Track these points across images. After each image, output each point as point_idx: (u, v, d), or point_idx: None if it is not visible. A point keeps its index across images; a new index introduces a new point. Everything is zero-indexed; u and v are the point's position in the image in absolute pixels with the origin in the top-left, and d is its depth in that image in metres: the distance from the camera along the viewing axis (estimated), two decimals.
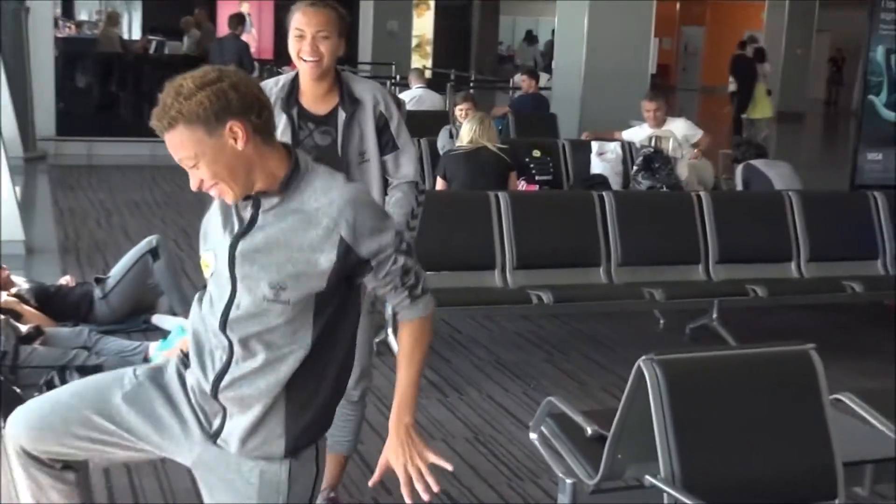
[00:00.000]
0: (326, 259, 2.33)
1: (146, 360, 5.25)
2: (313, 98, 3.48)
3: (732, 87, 17.18)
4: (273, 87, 3.48)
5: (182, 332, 5.35)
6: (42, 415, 2.57)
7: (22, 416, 2.56)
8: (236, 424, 2.43)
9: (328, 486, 3.74)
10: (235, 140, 2.27)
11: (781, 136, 18.40)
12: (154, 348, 5.31)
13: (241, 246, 2.38)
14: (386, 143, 3.51)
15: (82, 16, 23.61)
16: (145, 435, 2.52)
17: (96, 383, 2.65)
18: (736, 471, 3.05)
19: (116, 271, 6.01)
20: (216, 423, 2.47)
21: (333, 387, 2.52)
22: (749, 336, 5.97)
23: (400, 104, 9.76)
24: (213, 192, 2.36)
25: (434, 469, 2.49)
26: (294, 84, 3.47)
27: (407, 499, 2.43)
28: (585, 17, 11.38)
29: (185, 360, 2.57)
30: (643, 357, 3.05)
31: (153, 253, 6.05)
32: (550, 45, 31.49)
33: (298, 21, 3.39)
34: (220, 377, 2.41)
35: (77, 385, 2.76)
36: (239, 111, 2.25)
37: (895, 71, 8.76)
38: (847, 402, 3.73)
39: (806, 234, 6.49)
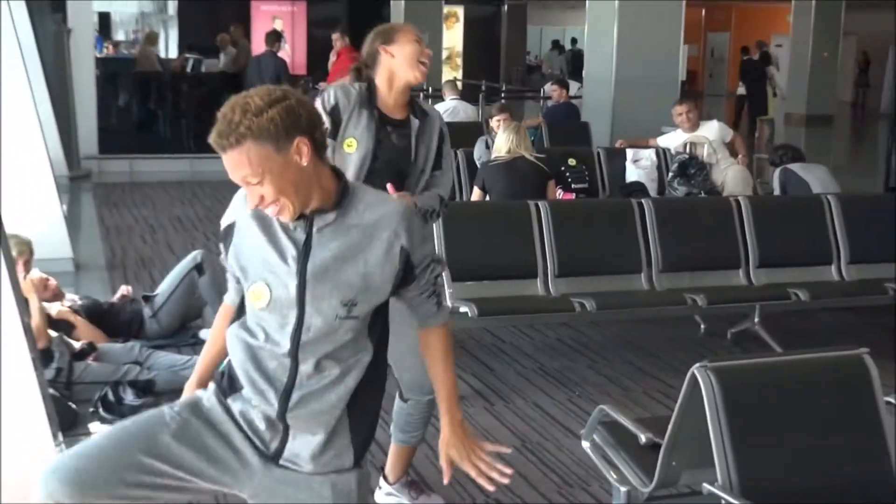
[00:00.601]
0: (391, 268, 2.40)
1: None
2: (389, 105, 3.66)
3: (741, 90, 17.68)
4: (352, 89, 3.66)
5: None
6: (85, 467, 2.38)
7: (60, 473, 2.37)
8: (303, 443, 2.41)
9: (403, 474, 4.02)
10: (300, 156, 2.27)
11: (811, 139, 18.23)
12: None
13: (309, 268, 2.35)
14: (437, 160, 3.72)
15: (119, 36, 23.81)
16: (200, 471, 2.44)
17: (138, 427, 2.49)
18: (792, 478, 3.01)
19: (164, 288, 6.03)
20: (274, 444, 2.44)
21: (383, 389, 2.59)
22: (791, 340, 5.93)
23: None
24: (270, 210, 2.33)
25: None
26: (371, 90, 3.65)
27: (487, 486, 2.53)
28: (615, 24, 11.36)
29: (223, 388, 2.53)
30: (697, 365, 3.02)
31: (198, 268, 6.07)
32: (576, 53, 31.61)
33: (412, 35, 3.67)
34: (286, 398, 2.39)
35: (116, 431, 2.53)
36: (306, 128, 2.28)
37: None
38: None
39: (845, 236, 6.41)
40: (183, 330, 6.09)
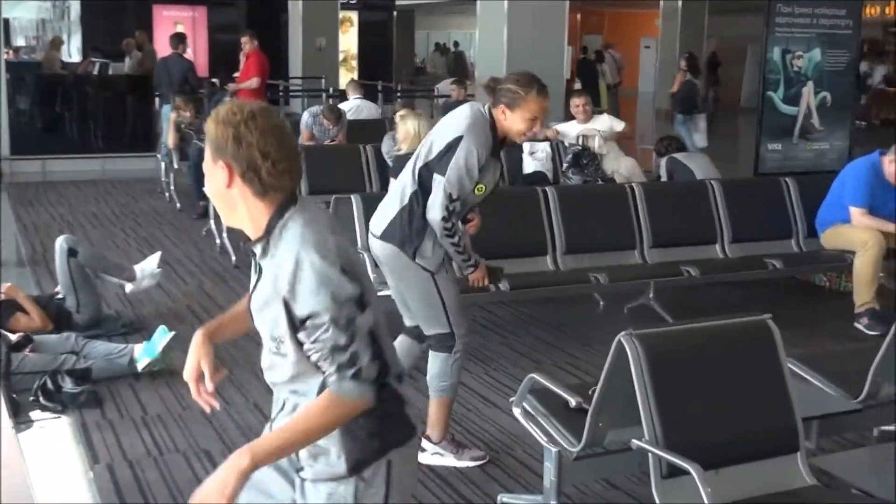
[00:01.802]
0: (280, 314, 2.19)
1: (132, 361, 5.20)
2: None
3: (578, 85, 18.61)
4: (488, 139, 3.92)
5: (165, 332, 5.29)
6: None
7: None
8: (301, 455, 2.30)
9: (445, 432, 4.24)
10: (222, 178, 2.22)
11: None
12: (139, 350, 5.25)
13: (254, 297, 2.31)
14: None
15: (20, 41, 23.05)
16: None
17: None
18: (710, 431, 3.14)
19: (62, 286, 5.91)
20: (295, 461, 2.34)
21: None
22: (683, 313, 6.07)
23: (341, 115, 9.82)
24: None
25: None
26: (496, 137, 3.95)
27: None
28: (505, 27, 11.49)
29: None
30: (622, 333, 3.11)
31: (72, 253, 5.91)
32: (458, 55, 31.91)
33: (536, 108, 3.88)
34: (273, 423, 2.39)
35: None
36: (231, 157, 2.19)
37: (790, 69, 9.00)
38: (791, 366, 3.85)
39: (728, 217, 6.66)
40: (112, 320, 6.00)
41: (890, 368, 3.83)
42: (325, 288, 2.12)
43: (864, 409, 3.87)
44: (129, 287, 6.14)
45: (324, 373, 2.18)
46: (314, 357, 2.18)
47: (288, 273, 2.14)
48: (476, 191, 3.94)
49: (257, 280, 2.29)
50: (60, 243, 5.94)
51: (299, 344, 2.18)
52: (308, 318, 2.14)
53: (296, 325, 2.16)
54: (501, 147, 4.00)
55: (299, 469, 2.30)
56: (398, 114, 8.54)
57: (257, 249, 2.26)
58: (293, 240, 2.18)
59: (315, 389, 2.21)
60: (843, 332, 6.17)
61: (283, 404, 2.35)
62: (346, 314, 2.12)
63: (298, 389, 2.26)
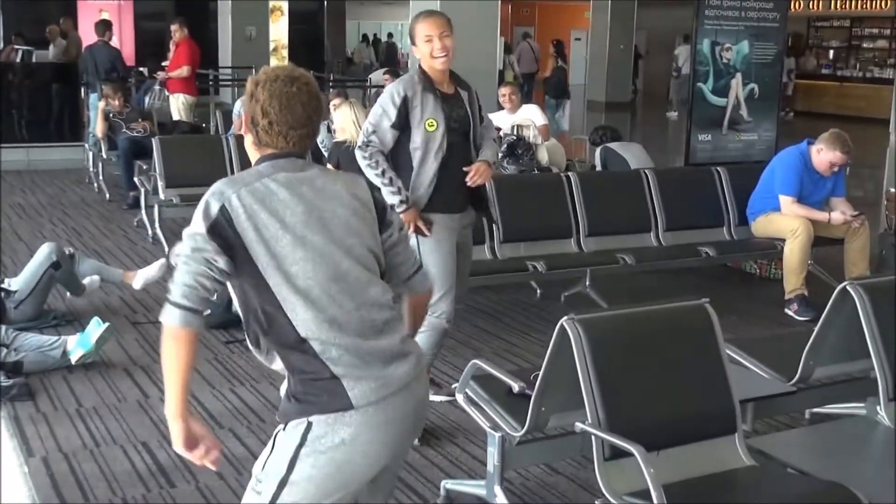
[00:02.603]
0: None
1: (65, 353, 5.11)
2: (441, 84, 4.25)
3: None
4: (414, 81, 4.20)
5: (99, 323, 5.21)
6: None
7: None
8: None
9: None
10: (242, 123, 2.57)
11: (610, 122, 18.92)
12: (73, 342, 5.16)
13: None
14: (481, 117, 4.43)
15: None
16: None
17: None
18: (651, 413, 3.20)
19: (23, 285, 5.76)
20: None
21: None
22: (618, 300, 6.17)
23: None
24: None
25: None
26: (425, 75, 4.20)
27: None
28: None
29: None
30: (565, 318, 3.15)
31: (54, 265, 5.85)
32: (390, 45, 31.89)
33: (425, 28, 4.17)
34: None
35: None
36: (246, 107, 2.52)
37: (720, 60, 9.16)
38: (727, 351, 3.94)
39: (661, 206, 6.76)
40: (44, 313, 5.89)
41: (821, 352, 3.95)
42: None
43: (797, 392, 3.99)
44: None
45: None
46: None
47: None
48: (427, 127, 4.16)
49: None
50: (49, 253, 5.88)
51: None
52: None
53: None
54: (433, 83, 4.19)
55: None
56: (332, 103, 8.51)
57: None
58: None
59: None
60: (774, 317, 6.30)
61: None
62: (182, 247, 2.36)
63: None
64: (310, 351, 2.35)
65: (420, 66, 4.26)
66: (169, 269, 6.40)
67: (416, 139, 4.20)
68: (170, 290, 2.34)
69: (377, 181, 4.15)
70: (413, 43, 4.26)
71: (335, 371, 2.35)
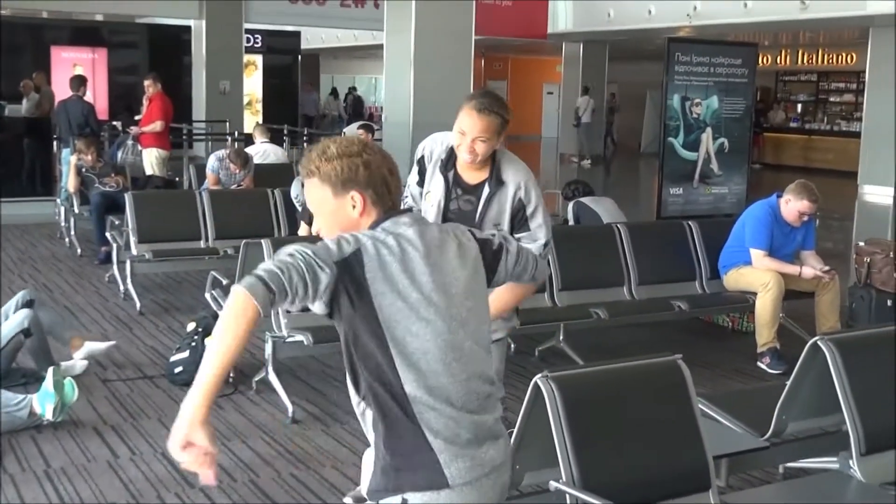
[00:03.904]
0: None
1: (32, 412, 5.05)
2: (467, 169, 3.67)
3: None
4: (435, 146, 3.75)
5: (56, 371, 5.16)
6: None
7: None
8: None
9: None
10: (353, 207, 2.37)
11: (582, 176, 19.10)
12: (38, 399, 5.09)
13: None
14: (520, 225, 3.67)
15: None
16: None
17: None
18: (625, 471, 3.19)
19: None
20: None
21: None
22: (592, 354, 6.20)
23: (248, 159, 9.81)
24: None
25: None
26: (453, 152, 3.65)
27: None
28: (411, 72, 11.59)
29: None
30: (539, 375, 3.14)
31: (25, 332, 5.79)
32: (356, 98, 32.21)
33: (463, 122, 3.54)
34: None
35: None
36: (364, 184, 2.36)
37: (690, 115, 9.30)
38: (700, 406, 3.95)
39: (634, 260, 6.80)
40: (13, 371, 5.80)
41: (794, 407, 3.97)
42: None
43: (771, 447, 4.00)
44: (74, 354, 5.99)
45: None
46: None
47: None
48: (425, 198, 3.77)
49: None
50: (22, 319, 5.78)
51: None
52: None
53: None
54: (451, 165, 3.70)
55: None
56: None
57: None
58: None
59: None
60: (747, 371, 6.33)
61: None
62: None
63: None
64: (410, 413, 2.26)
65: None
66: (117, 349, 6.40)
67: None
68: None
69: None
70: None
71: (433, 444, 2.26)
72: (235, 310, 2.15)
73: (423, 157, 3.77)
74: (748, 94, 9.65)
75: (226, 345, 2.16)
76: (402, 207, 3.77)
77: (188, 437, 2.14)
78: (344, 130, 16.79)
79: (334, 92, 32.66)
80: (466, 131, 3.51)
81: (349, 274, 2.23)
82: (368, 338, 2.26)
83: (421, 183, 3.78)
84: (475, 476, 2.30)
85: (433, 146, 3.77)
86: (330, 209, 2.37)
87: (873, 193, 17.53)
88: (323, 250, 2.23)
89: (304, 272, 2.18)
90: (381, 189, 2.37)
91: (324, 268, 2.20)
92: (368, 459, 2.33)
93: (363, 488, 2.30)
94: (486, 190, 3.65)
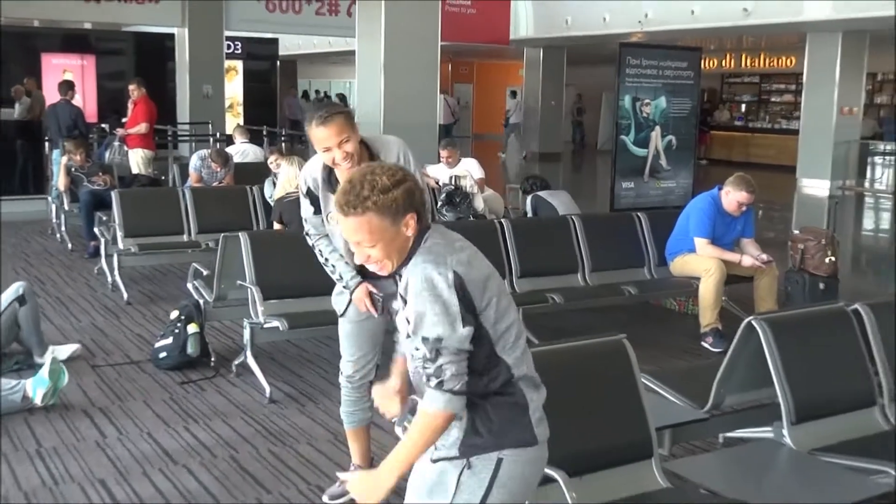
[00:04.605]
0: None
1: (25, 396, 5.03)
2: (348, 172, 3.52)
3: None
4: (314, 173, 3.61)
5: (55, 361, 5.15)
6: None
7: None
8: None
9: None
10: (408, 228, 2.32)
11: (544, 172, 19.16)
12: (31, 384, 5.07)
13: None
14: None
15: None
16: None
17: None
18: (574, 441, 3.21)
19: None
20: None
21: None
22: (549, 335, 6.22)
23: (228, 159, 9.74)
24: (373, 267, 2.39)
25: None
26: (331, 169, 3.55)
27: None
28: (381, 76, 11.57)
29: None
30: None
31: (20, 300, 5.81)
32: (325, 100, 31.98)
33: (319, 139, 3.42)
34: None
35: None
36: (417, 205, 2.34)
37: (640, 114, 9.36)
38: (645, 381, 4.00)
39: (588, 249, 6.85)
40: (5, 357, 5.78)
41: (731, 381, 4.03)
42: (426, 310, 2.27)
43: (710, 418, 4.06)
44: (37, 359, 5.84)
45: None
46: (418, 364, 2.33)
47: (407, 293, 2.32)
48: (329, 220, 3.67)
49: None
50: (17, 287, 5.83)
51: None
52: (412, 326, 2.30)
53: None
54: (334, 179, 3.58)
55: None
56: (269, 159, 8.58)
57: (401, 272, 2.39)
58: (416, 263, 2.33)
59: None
60: (691, 350, 6.40)
61: None
62: (437, 338, 2.27)
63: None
64: (517, 389, 2.40)
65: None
66: (105, 337, 6.37)
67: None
68: (441, 376, 2.27)
69: (325, 268, 3.84)
70: (312, 142, 3.51)
71: (529, 409, 2.41)
72: (437, 428, 2.33)
73: (308, 188, 3.67)
74: (694, 95, 9.72)
75: (420, 450, 2.36)
76: (308, 239, 3.80)
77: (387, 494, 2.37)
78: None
79: (305, 95, 32.55)
80: (328, 144, 3.42)
81: (463, 299, 2.28)
82: (477, 342, 2.32)
83: (317, 212, 3.69)
84: (548, 436, 2.49)
85: (311, 174, 3.66)
86: (389, 237, 2.32)
87: (810, 186, 17.74)
88: (456, 340, 2.27)
89: (466, 355, 2.29)
90: (422, 207, 2.37)
91: (466, 341, 2.28)
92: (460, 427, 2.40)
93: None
94: None
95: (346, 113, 3.47)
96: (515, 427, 2.40)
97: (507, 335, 2.38)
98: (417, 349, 2.30)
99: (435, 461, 2.42)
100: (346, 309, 3.89)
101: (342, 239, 3.62)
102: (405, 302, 2.33)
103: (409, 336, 2.32)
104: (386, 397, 2.69)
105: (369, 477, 2.43)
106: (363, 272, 3.70)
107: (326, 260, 3.80)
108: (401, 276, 2.37)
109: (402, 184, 2.32)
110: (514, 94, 25.60)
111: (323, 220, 3.71)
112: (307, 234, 3.80)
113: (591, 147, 27.78)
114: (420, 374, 2.35)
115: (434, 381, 2.28)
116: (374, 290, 3.78)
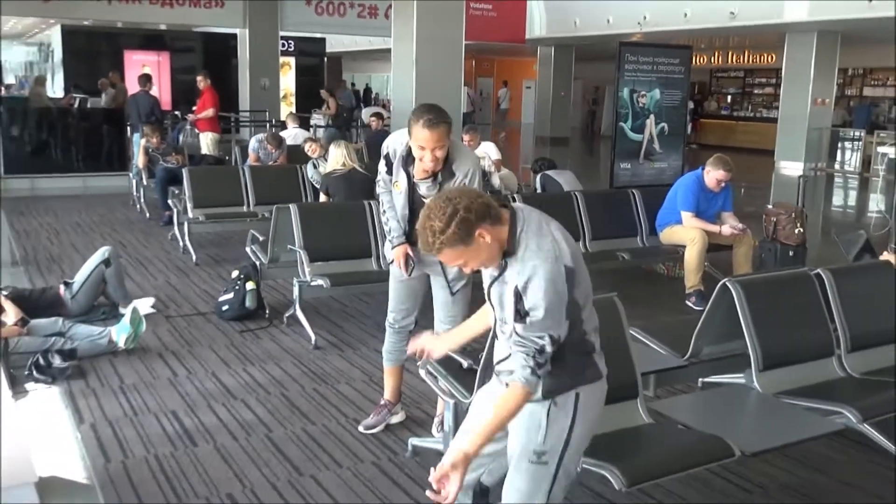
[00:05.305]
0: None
1: (111, 341, 5.13)
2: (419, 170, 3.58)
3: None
4: (397, 146, 3.64)
5: (135, 311, 5.23)
6: None
7: None
8: None
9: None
10: (484, 239, 2.29)
11: (554, 154, 19.05)
12: (115, 331, 5.18)
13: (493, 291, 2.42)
14: None
15: (10, 79, 22.32)
16: None
17: None
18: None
19: (80, 276, 5.81)
20: None
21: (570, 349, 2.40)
22: None
23: (282, 142, 9.71)
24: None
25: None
26: (410, 151, 3.54)
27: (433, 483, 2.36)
28: (413, 71, 11.54)
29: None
30: None
31: (105, 262, 5.89)
32: (366, 90, 31.90)
33: (420, 138, 3.38)
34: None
35: None
36: (479, 220, 2.28)
37: (637, 104, 9.28)
38: (634, 333, 4.02)
39: (588, 220, 6.83)
40: (94, 308, 5.89)
41: (708, 334, 4.03)
42: (542, 297, 2.26)
43: (689, 366, 4.07)
44: (121, 310, 5.87)
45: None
46: (516, 341, 2.32)
47: (525, 275, 2.28)
48: (395, 186, 3.72)
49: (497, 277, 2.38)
50: (104, 251, 5.92)
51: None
52: (528, 311, 2.28)
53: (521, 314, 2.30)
54: (410, 160, 3.60)
55: None
56: (306, 146, 8.59)
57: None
58: (535, 253, 2.30)
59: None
60: (677, 308, 6.39)
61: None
62: (545, 319, 2.27)
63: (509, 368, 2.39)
64: (589, 341, 2.46)
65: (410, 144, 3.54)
66: (177, 292, 6.45)
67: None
68: (541, 363, 2.30)
69: (384, 225, 3.86)
70: (409, 133, 3.46)
71: (595, 351, 2.49)
72: (517, 405, 2.34)
73: (388, 154, 3.70)
74: (684, 88, 9.62)
75: (498, 426, 2.37)
76: (377, 187, 3.80)
77: (452, 467, 2.31)
78: (360, 117, 16.75)
79: (342, 84, 32.40)
80: (425, 146, 3.38)
81: (572, 299, 2.30)
82: (572, 311, 2.34)
83: (389, 172, 3.72)
84: (606, 370, 2.55)
85: (395, 146, 3.67)
86: (472, 255, 2.31)
87: (787, 167, 17.52)
88: (563, 332, 2.30)
89: (559, 343, 2.31)
90: (486, 211, 2.29)
91: (564, 333, 2.32)
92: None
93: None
94: (440, 177, 3.54)
95: (449, 123, 3.42)
96: (586, 367, 2.47)
97: (588, 302, 2.42)
98: (521, 335, 2.29)
99: None
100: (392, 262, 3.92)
101: (402, 200, 3.70)
102: (521, 291, 2.28)
103: (515, 320, 2.29)
104: (434, 341, 2.90)
105: (456, 448, 2.39)
106: (409, 233, 3.75)
107: (384, 211, 3.83)
108: (506, 263, 2.33)
109: (454, 218, 2.26)
110: (505, 83, 25.70)
111: (391, 181, 3.73)
112: (377, 183, 3.84)
113: (591, 133, 27.53)
114: (509, 350, 2.36)
115: (532, 364, 2.30)
116: (412, 254, 3.82)
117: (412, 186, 3.66)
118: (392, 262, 3.92)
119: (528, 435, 2.44)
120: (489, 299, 2.46)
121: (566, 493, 2.53)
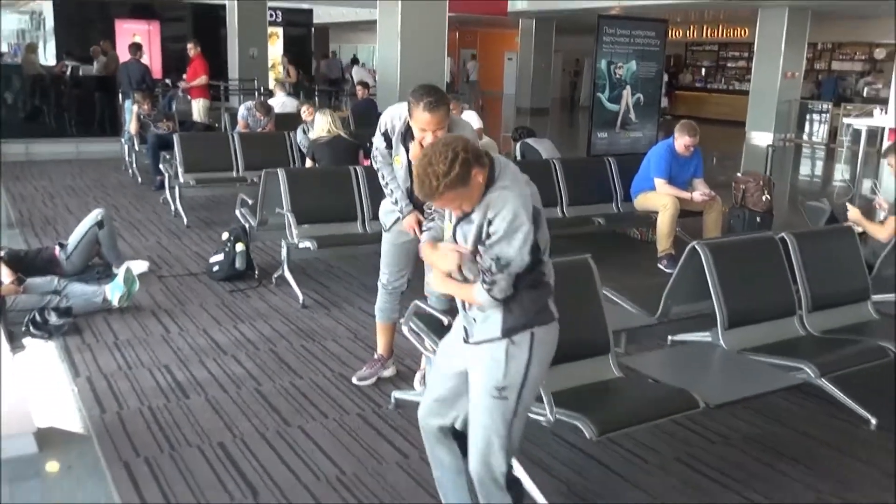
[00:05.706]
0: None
1: (105, 299, 5.13)
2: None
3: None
4: (396, 122, 3.64)
5: (129, 271, 5.23)
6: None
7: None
8: (477, 327, 2.56)
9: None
10: (479, 179, 2.37)
11: (534, 124, 19.00)
12: (109, 290, 5.17)
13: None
14: None
15: (3, 48, 21.94)
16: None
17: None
18: None
19: (74, 238, 5.77)
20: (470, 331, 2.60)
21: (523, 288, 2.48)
22: None
23: (270, 109, 9.65)
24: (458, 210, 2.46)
25: None
26: (408, 125, 3.53)
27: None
28: (398, 42, 11.45)
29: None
30: None
31: (99, 224, 5.86)
32: (354, 60, 31.52)
33: (420, 120, 3.33)
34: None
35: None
36: (475, 163, 2.36)
37: (614, 76, 9.27)
38: (607, 293, 4.07)
39: (565, 186, 6.85)
40: (89, 268, 5.86)
41: (677, 295, 4.09)
42: (509, 226, 2.36)
43: (659, 324, 4.14)
44: (115, 269, 5.88)
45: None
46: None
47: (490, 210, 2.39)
48: (395, 160, 3.72)
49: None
50: (97, 213, 5.86)
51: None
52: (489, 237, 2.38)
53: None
54: (409, 136, 3.57)
55: (467, 339, 2.59)
56: (302, 109, 8.52)
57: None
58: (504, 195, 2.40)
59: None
60: (649, 270, 6.45)
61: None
62: (504, 243, 2.37)
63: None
64: (546, 283, 2.55)
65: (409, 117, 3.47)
66: (168, 252, 6.44)
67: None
68: (492, 287, 2.40)
69: (385, 190, 3.84)
70: (409, 113, 3.43)
71: (550, 296, 2.57)
72: (469, 294, 2.49)
73: (386, 129, 3.69)
74: (660, 60, 9.61)
75: (462, 296, 2.55)
76: (374, 162, 3.80)
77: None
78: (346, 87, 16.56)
79: (325, 55, 31.96)
80: (427, 127, 3.33)
81: (535, 239, 2.40)
82: (534, 251, 2.42)
83: (389, 147, 3.72)
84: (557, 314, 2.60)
85: (391, 120, 3.67)
86: (466, 196, 2.38)
87: (757, 138, 17.57)
88: (518, 265, 2.39)
89: (514, 277, 2.41)
90: (478, 153, 2.37)
91: (522, 270, 2.41)
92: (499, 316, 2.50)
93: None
94: None
95: (448, 103, 3.39)
96: (541, 309, 2.54)
97: (546, 249, 2.50)
98: (484, 259, 2.39)
99: (479, 343, 2.54)
100: (392, 226, 3.93)
101: (402, 173, 3.71)
102: (490, 221, 2.36)
103: (482, 246, 2.39)
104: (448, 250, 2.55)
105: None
106: (414, 201, 3.76)
107: (387, 184, 3.82)
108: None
109: (456, 160, 2.31)
110: (473, 56, 25.59)
111: (390, 154, 3.74)
112: (374, 157, 3.83)
113: (569, 103, 27.44)
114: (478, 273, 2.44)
115: (486, 286, 2.41)
116: (423, 219, 3.82)
117: (411, 163, 3.65)
118: (389, 229, 3.94)
119: (489, 372, 2.51)
120: (454, 239, 2.52)
121: (524, 428, 2.60)
